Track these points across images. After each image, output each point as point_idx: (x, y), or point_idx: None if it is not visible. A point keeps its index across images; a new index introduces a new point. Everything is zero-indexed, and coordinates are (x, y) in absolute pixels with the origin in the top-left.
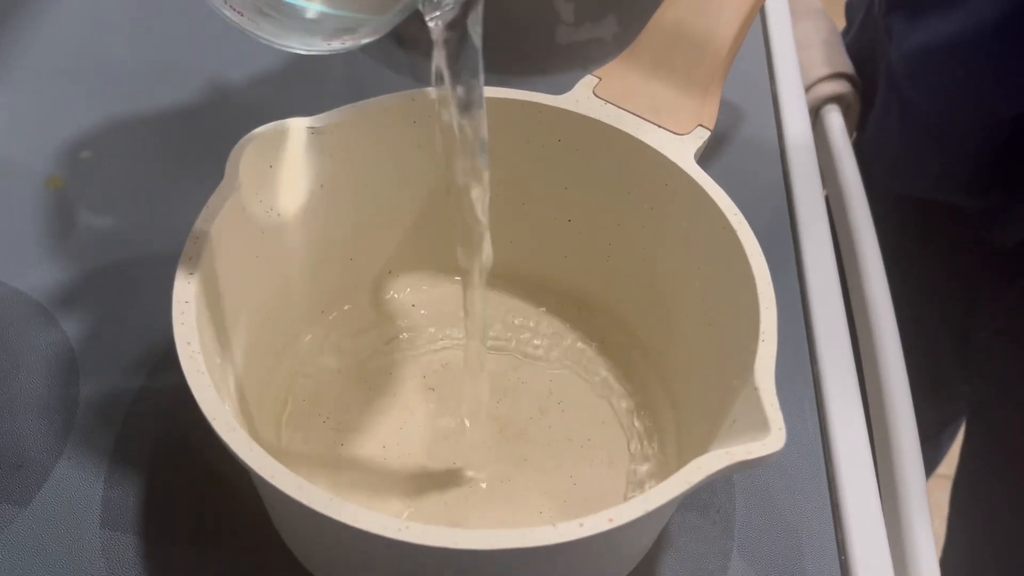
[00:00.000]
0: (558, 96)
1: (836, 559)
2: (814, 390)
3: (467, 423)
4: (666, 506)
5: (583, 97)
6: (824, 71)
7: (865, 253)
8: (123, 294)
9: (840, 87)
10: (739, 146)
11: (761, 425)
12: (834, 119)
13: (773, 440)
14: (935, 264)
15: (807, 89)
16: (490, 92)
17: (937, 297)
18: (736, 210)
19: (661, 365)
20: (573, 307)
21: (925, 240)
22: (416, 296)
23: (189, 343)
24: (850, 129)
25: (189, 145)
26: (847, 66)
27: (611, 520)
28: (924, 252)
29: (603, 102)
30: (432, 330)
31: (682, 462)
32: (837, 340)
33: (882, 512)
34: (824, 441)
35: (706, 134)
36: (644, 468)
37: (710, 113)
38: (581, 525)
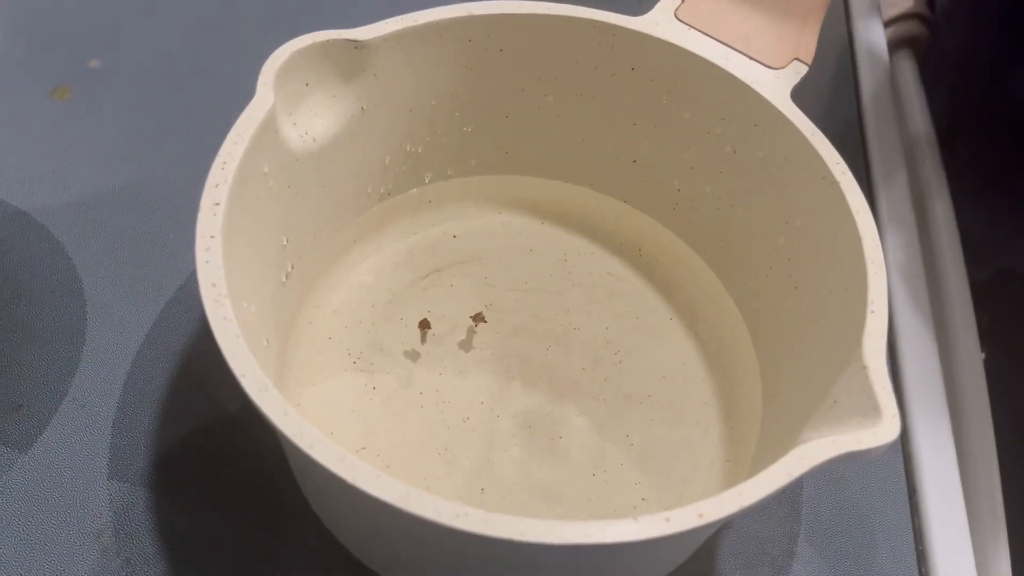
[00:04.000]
0: (634, 17)
1: (913, 548)
2: (889, 360)
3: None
4: (761, 501)
5: (663, 20)
6: (894, 11)
7: (937, 215)
8: (136, 218)
9: (913, 28)
10: (808, 86)
11: (870, 410)
12: (906, 67)
13: (886, 429)
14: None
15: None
16: (554, 9)
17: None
18: (839, 159)
19: (734, 320)
20: (633, 250)
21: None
22: (457, 227)
23: (215, 285)
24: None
25: (212, 57)
26: (921, 5)
27: (701, 516)
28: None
29: (686, 27)
30: (475, 265)
31: (763, 433)
32: (917, 305)
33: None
34: (902, 418)
35: (803, 70)
36: (710, 431)
37: (808, 45)
38: (668, 520)
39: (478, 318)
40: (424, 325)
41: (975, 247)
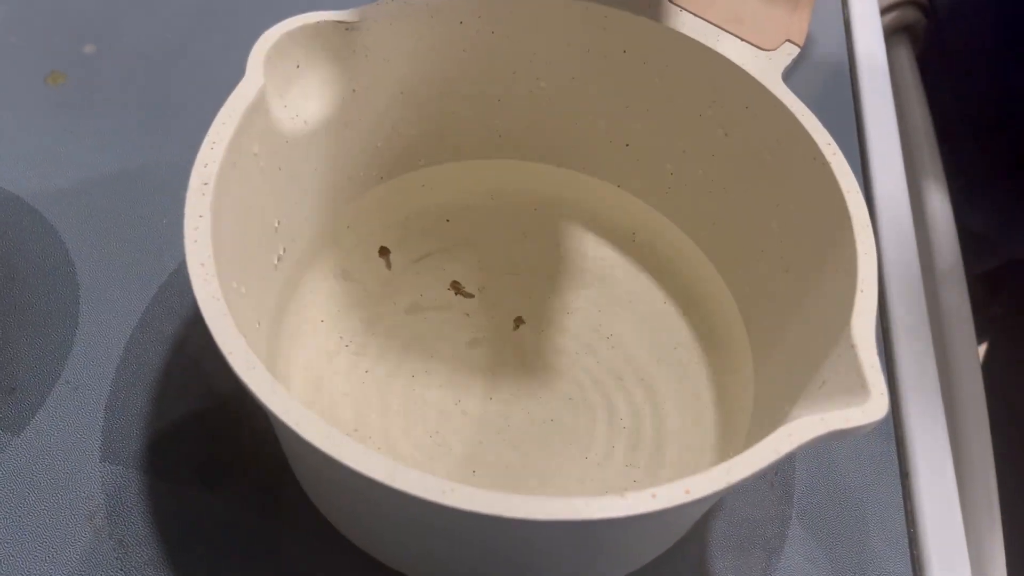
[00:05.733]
0: None
1: (904, 531)
2: (883, 342)
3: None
4: (749, 478)
5: (655, 2)
6: None
7: (933, 200)
8: (129, 203)
9: (910, 15)
10: (805, 73)
11: (858, 388)
12: (903, 53)
13: (874, 407)
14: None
15: (882, 13)
16: None
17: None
18: (830, 139)
19: (727, 304)
20: (627, 234)
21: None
22: (450, 212)
23: (203, 264)
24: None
25: (207, 42)
26: None
27: (688, 492)
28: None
29: (678, 9)
30: (468, 250)
31: (755, 415)
32: (910, 289)
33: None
34: (894, 402)
35: (795, 51)
36: (702, 414)
37: (800, 27)
38: (654, 496)
39: (456, 286)
40: (383, 252)
41: (983, 238)
